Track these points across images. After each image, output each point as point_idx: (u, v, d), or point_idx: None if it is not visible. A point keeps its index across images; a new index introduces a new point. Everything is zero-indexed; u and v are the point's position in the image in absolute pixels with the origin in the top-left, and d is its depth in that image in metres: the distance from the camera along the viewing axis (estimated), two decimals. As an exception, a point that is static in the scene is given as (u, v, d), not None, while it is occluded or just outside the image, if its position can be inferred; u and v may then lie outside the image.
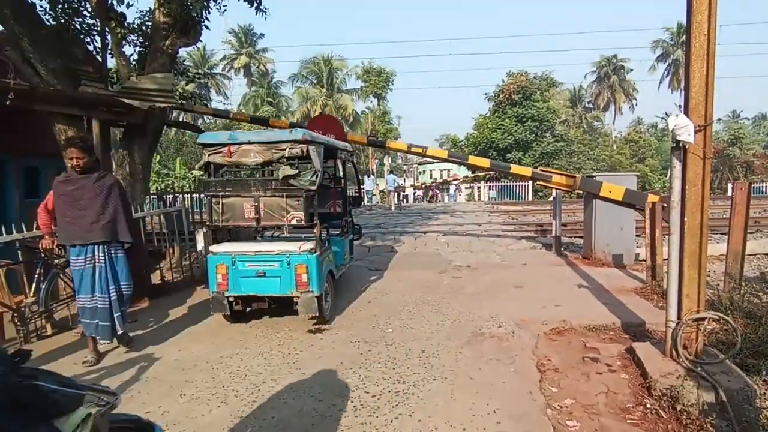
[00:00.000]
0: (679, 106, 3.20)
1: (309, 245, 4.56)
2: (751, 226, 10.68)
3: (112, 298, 3.95)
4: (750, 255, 8.61)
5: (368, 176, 22.08)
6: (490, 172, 29.01)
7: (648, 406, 2.98)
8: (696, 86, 3.10)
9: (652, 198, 6.90)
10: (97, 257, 3.90)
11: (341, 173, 6.42)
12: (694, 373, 3.07)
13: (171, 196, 9.57)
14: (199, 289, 6.48)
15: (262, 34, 47.01)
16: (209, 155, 4.82)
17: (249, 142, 4.70)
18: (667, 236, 3.55)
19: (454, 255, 8.60)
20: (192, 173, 29.00)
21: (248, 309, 5.02)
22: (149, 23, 6.14)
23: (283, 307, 4.91)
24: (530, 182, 27.17)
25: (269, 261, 4.60)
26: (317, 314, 4.56)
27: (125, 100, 5.26)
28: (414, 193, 30.15)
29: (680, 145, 3.14)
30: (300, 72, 38.91)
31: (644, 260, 6.56)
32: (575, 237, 10.74)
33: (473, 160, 8.57)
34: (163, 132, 39.27)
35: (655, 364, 3.28)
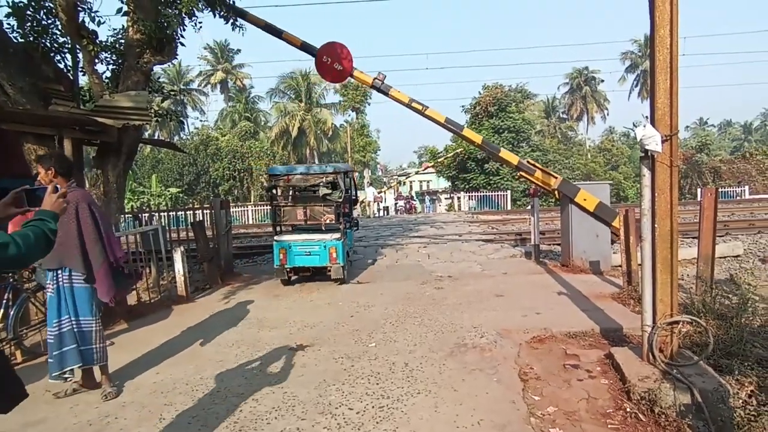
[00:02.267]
0: (646, 116, 3.31)
1: (337, 235, 7.25)
2: (721, 229, 11.05)
3: (64, 330, 3.46)
4: (720, 258, 8.90)
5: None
6: (471, 184, 29.40)
7: (627, 410, 3.03)
8: (661, 98, 3.23)
9: (618, 223, 7.15)
10: (55, 283, 3.50)
11: (348, 185, 8.36)
12: (670, 376, 3.14)
13: (147, 214, 9.36)
14: (176, 309, 6.35)
15: (239, 50, 46.84)
16: (274, 181, 7.47)
17: (301, 173, 7.43)
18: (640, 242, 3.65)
19: (436, 266, 8.64)
20: (169, 191, 28.56)
21: (295, 276, 7.75)
22: (123, 41, 6.08)
23: (318, 274, 7.61)
24: (509, 192, 27.62)
25: (313, 245, 7.24)
26: (343, 277, 7.26)
27: (98, 119, 5.17)
28: (396, 204, 30.30)
29: (648, 154, 3.25)
30: (278, 87, 38.97)
31: (620, 266, 6.72)
32: (553, 245, 10.92)
33: (467, 132, 8.46)
34: (139, 150, 38.67)
35: (633, 368, 3.34)
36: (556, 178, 7.75)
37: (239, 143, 35.91)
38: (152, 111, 6.57)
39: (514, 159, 8.20)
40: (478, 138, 8.45)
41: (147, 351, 4.64)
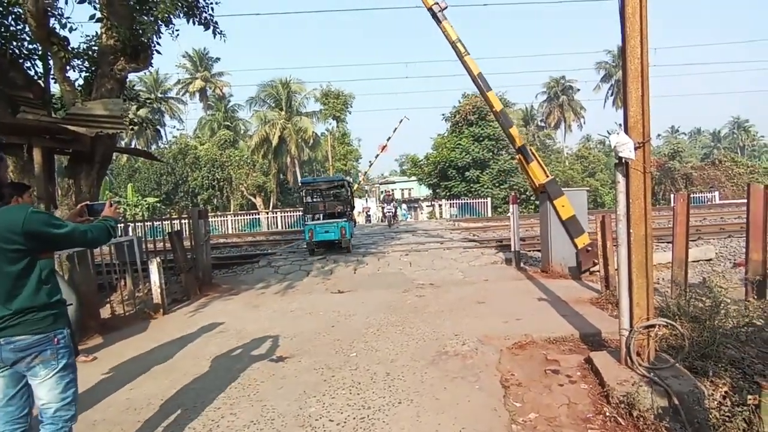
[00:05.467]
0: (620, 124, 3.38)
1: (344, 219, 11.24)
2: (693, 234, 11.36)
3: None
4: (693, 261, 9.13)
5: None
6: (452, 192, 29.61)
7: (607, 414, 3.05)
8: (633, 106, 3.30)
9: (583, 240, 7.29)
10: None
11: (348, 191, 12.96)
12: (647, 379, 3.18)
13: (122, 225, 9.13)
14: (153, 321, 6.18)
15: (218, 58, 46.32)
16: (305, 187, 12.61)
17: (322, 181, 12.80)
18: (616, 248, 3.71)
19: (417, 273, 8.64)
20: (146, 201, 27.96)
21: (317, 249, 11.26)
22: (96, 48, 5.94)
23: (334, 245, 11.23)
24: (489, 199, 27.92)
25: (329, 226, 10.91)
26: (349, 246, 11.08)
27: (70, 127, 5.02)
28: (383, 208, 30.09)
29: (623, 161, 3.32)
30: (258, 95, 38.66)
31: (598, 271, 6.83)
32: (533, 250, 11.05)
33: (491, 95, 8.23)
34: (115, 159, 37.80)
35: (612, 372, 3.38)
36: (548, 175, 7.78)
37: (218, 152, 35.47)
38: (127, 119, 6.44)
39: (519, 140, 8.05)
40: (498, 105, 8.23)
41: (120, 366, 4.49)
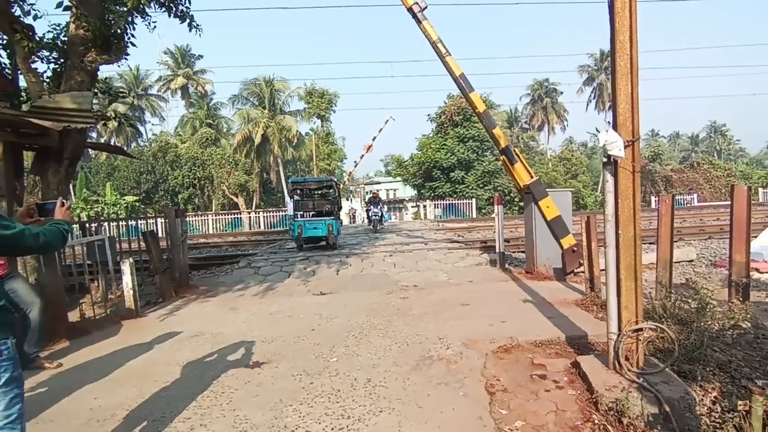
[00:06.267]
0: (608, 122, 3.29)
1: (332, 217, 11.83)
2: (674, 235, 11.46)
3: None
4: (675, 262, 9.16)
5: (291, 197, 16.15)
6: (437, 192, 29.60)
7: (596, 422, 2.94)
8: (622, 103, 3.21)
9: (568, 240, 7.25)
10: None
11: (335, 191, 13.40)
12: (636, 385, 3.09)
13: (95, 224, 8.79)
14: (125, 325, 5.90)
15: (201, 55, 45.53)
16: (296, 186, 13.16)
17: (312, 181, 14.01)
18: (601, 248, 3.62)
19: (401, 275, 8.50)
20: (124, 199, 27.25)
21: (306, 245, 11.87)
22: (65, 38, 5.64)
23: (321, 241, 11.93)
24: (474, 200, 27.96)
25: (318, 223, 11.55)
26: (335, 243, 11.65)
27: (34, 120, 4.73)
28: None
29: (611, 159, 3.22)
30: (241, 93, 38.06)
31: (583, 272, 6.78)
32: (518, 252, 11.01)
33: (474, 96, 8.12)
34: (94, 156, 36.75)
35: (600, 377, 3.27)
36: (532, 176, 7.71)
37: (200, 150, 34.81)
38: (99, 113, 6.15)
39: (504, 141, 7.94)
40: (481, 106, 8.14)
41: (87, 373, 4.23)
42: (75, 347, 5.00)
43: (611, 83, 3.31)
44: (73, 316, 6.01)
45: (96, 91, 5.96)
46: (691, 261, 10.03)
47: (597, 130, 3.19)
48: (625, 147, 3.15)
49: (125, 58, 6.12)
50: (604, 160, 3.27)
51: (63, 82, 5.49)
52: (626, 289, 3.27)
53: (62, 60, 5.75)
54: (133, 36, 6.04)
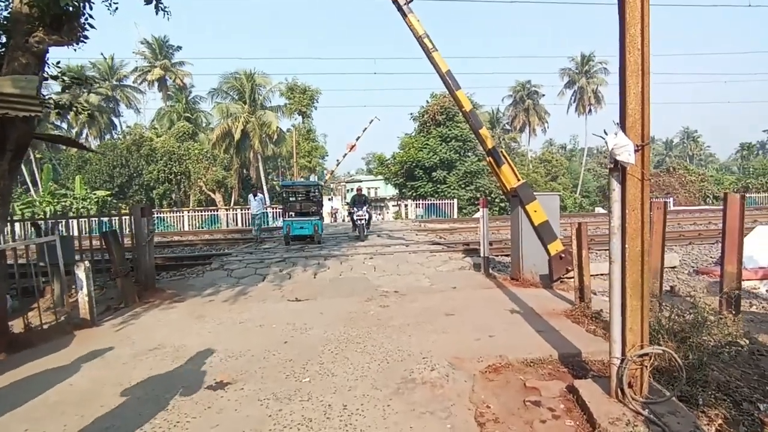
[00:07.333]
0: (617, 123, 2.96)
1: (317, 217, 13.18)
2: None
3: None
4: (661, 270, 9.06)
5: (254, 195, 15.41)
6: (419, 192, 29.32)
7: (599, 461, 2.62)
8: (632, 103, 2.89)
9: (556, 246, 7.00)
10: None
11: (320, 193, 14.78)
12: (643, 417, 2.78)
13: (52, 221, 8.14)
14: (78, 335, 5.35)
15: (179, 47, 44.06)
16: (286, 188, 14.70)
17: (299, 185, 15.45)
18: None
19: (382, 279, 8.12)
20: (95, 194, 26.08)
21: (293, 243, 12.77)
22: (8, 14, 5.05)
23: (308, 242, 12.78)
24: (455, 200, 27.77)
25: (304, 223, 12.83)
26: (320, 240, 12.81)
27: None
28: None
29: (619, 166, 2.89)
30: (220, 87, 36.98)
31: (571, 277, 6.52)
32: (501, 255, 10.76)
33: (460, 93, 7.76)
34: (64, 149, 35.17)
35: (602, 407, 2.95)
36: (519, 179, 7.41)
37: (177, 144, 33.68)
38: (49, 101, 5.58)
39: (490, 142, 7.62)
40: (468, 105, 7.80)
41: (22, 395, 3.70)
42: (13, 363, 4.43)
43: (619, 81, 2.99)
44: (17, 326, 5.44)
45: (46, 76, 5.38)
46: (674, 267, 9.93)
47: (605, 132, 2.86)
48: (635, 151, 2.83)
49: (83, 41, 5.54)
50: (611, 165, 2.95)
51: (5, 64, 4.90)
52: (632, 309, 2.95)
53: (4, 40, 5.15)
54: (90, 17, 5.48)
